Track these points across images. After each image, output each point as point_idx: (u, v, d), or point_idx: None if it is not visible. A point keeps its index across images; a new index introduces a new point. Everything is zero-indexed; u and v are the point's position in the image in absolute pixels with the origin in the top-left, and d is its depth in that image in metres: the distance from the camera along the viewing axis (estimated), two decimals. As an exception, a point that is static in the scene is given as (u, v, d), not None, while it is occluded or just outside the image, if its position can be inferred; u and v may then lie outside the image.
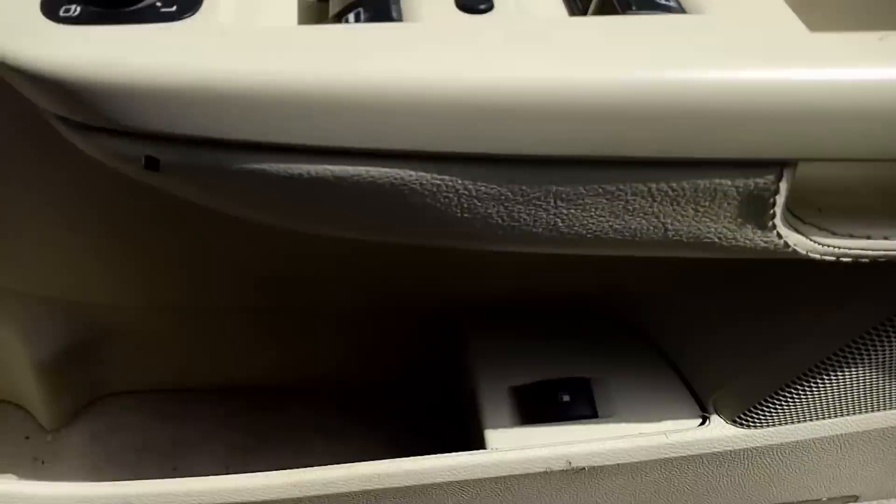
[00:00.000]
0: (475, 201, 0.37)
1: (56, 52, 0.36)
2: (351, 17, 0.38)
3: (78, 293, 0.71)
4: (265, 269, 0.69)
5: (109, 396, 0.85)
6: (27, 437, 0.82)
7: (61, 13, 0.38)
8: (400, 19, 0.38)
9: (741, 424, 0.64)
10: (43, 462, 0.80)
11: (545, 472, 0.64)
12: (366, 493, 0.64)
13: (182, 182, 0.39)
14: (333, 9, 0.41)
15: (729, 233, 0.38)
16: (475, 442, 0.70)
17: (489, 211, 0.37)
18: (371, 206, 0.38)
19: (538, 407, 0.67)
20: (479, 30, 0.36)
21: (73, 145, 0.53)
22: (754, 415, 0.63)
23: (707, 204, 0.37)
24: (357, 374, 0.84)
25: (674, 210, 0.37)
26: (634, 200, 0.36)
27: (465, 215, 0.37)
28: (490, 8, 0.38)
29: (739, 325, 0.64)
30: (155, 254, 0.66)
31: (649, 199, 0.36)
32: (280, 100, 0.35)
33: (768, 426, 0.64)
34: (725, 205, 0.37)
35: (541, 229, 0.38)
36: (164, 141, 0.37)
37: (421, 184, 0.36)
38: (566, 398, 0.65)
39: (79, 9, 0.38)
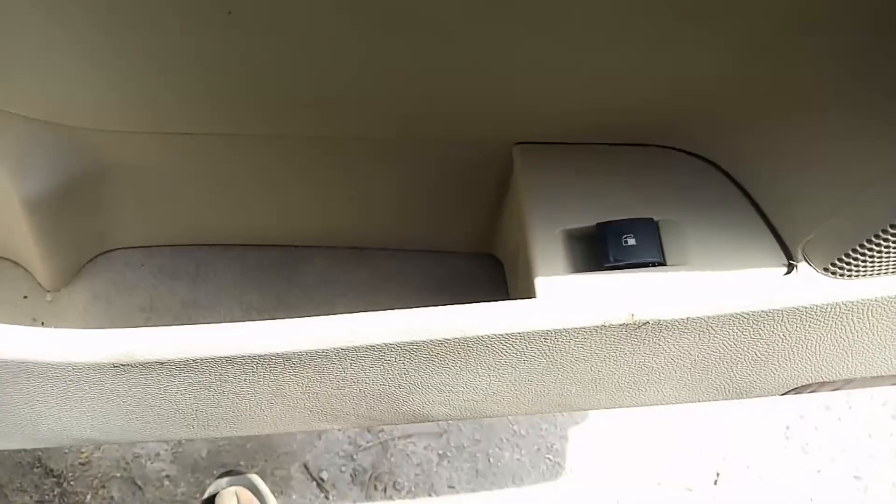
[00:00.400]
0: None
1: None
2: None
3: (73, 115, 0.62)
4: (291, 87, 0.59)
5: (114, 252, 0.78)
6: (25, 297, 0.76)
7: None
8: None
9: (834, 273, 0.55)
10: (42, 323, 0.75)
11: (603, 326, 0.56)
12: (396, 347, 0.57)
13: None
14: None
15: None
16: (524, 294, 0.62)
17: None
18: None
19: (597, 252, 0.58)
20: None
21: None
22: (851, 261, 0.54)
23: None
24: (388, 227, 0.75)
25: None
26: None
27: None
28: None
29: (838, 153, 0.54)
30: (162, 65, 0.56)
31: None
32: None
33: (865, 275, 0.55)
34: None
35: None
36: None
37: None
38: (630, 242, 0.57)
39: None
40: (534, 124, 0.63)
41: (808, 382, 0.72)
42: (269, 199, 0.72)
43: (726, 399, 0.75)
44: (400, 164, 0.68)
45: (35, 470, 0.98)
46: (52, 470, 0.98)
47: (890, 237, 0.51)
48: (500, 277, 0.78)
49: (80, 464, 0.99)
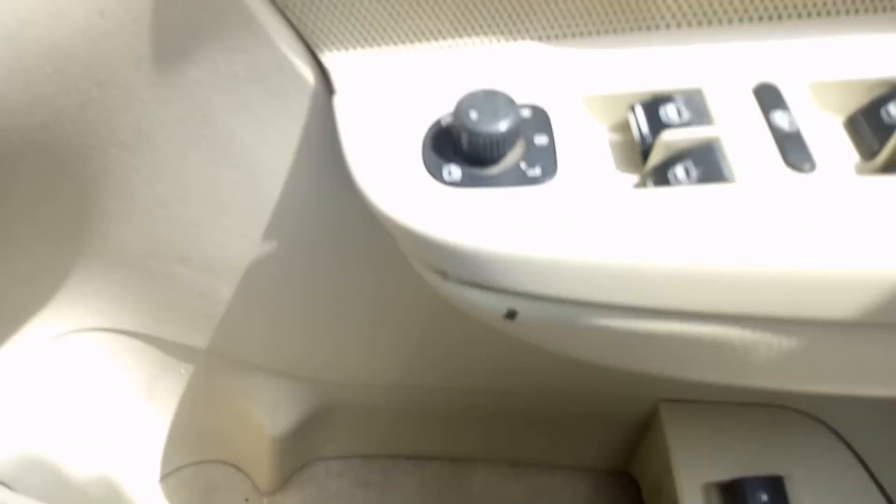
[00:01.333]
0: (779, 356, 0.44)
1: (439, 217, 0.43)
2: (680, 171, 0.43)
3: (318, 372, 0.81)
4: (480, 357, 0.77)
5: (318, 461, 0.94)
6: (246, 500, 0.91)
7: (444, 176, 0.45)
8: (731, 178, 0.42)
9: (928, 525, 0.69)
10: (262, 524, 0.89)
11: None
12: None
13: (533, 329, 0.47)
14: (654, 158, 0.44)
15: None
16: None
17: (788, 363, 0.45)
18: (684, 357, 0.45)
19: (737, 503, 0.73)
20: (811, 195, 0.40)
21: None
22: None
23: None
24: (541, 450, 0.91)
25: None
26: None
27: (762, 363, 0.45)
28: (813, 168, 0.42)
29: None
30: (394, 338, 0.75)
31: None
32: (625, 274, 0.42)
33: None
34: None
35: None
36: (525, 297, 0.45)
37: (742, 341, 0.44)
38: (763, 498, 0.71)
39: (457, 171, 0.45)
40: (674, 387, 0.79)
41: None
42: (446, 426, 0.89)
43: None
44: (555, 408, 0.85)
45: None
46: None
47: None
48: (636, 494, 0.91)
49: None
